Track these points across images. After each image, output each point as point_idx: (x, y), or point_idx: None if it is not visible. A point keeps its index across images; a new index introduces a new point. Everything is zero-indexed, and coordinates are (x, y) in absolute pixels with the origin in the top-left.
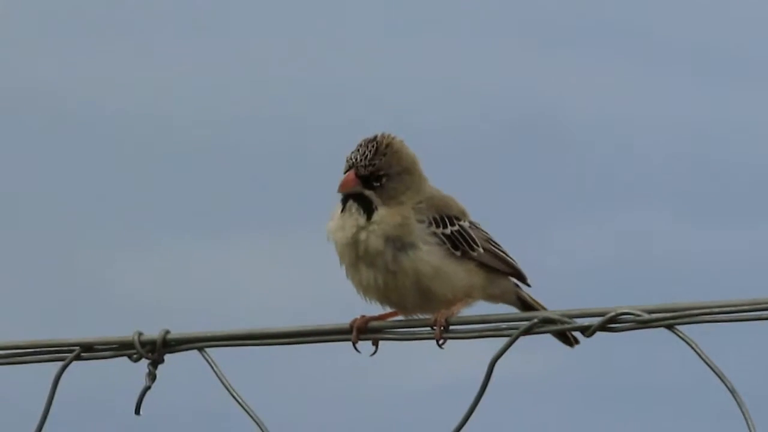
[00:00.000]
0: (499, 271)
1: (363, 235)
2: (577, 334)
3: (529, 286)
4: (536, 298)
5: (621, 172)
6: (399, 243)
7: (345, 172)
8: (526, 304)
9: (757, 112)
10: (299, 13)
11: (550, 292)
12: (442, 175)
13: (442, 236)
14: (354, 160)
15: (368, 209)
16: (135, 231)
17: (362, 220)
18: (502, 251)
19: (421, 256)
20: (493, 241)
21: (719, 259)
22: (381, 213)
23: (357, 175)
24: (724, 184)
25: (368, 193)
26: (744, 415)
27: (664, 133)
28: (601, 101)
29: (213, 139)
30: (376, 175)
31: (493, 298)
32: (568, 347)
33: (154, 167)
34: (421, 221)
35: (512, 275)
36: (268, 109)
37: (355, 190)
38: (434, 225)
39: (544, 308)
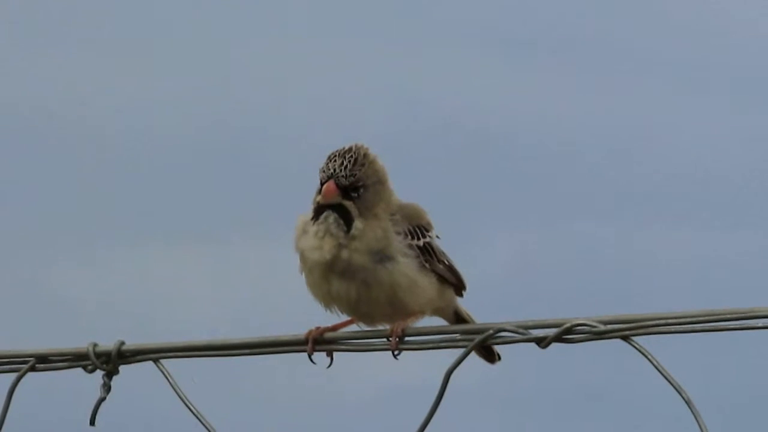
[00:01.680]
0: (447, 282)
1: (345, 254)
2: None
3: (461, 296)
4: (468, 311)
5: (564, 178)
6: (378, 256)
7: (323, 183)
8: (459, 317)
9: (696, 116)
10: (248, 14)
11: (494, 302)
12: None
13: (416, 248)
14: (333, 171)
15: (347, 220)
16: (88, 241)
17: (341, 233)
18: (453, 264)
19: (399, 269)
20: (444, 253)
21: (671, 267)
22: (358, 226)
23: (337, 186)
24: (674, 188)
25: (347, 203)
26: (700, 426)
27: (607, 137)
28: (543, 106)
29: (164, 146)
30: (354, 186)
31: (438, 311)
32: (489, 364)
33: (108, 175)
34: (398, 233)
35: (455, 286)
36: (224, 115)
37: (336, 200)
38: (409, 237)
39: (473, 320)
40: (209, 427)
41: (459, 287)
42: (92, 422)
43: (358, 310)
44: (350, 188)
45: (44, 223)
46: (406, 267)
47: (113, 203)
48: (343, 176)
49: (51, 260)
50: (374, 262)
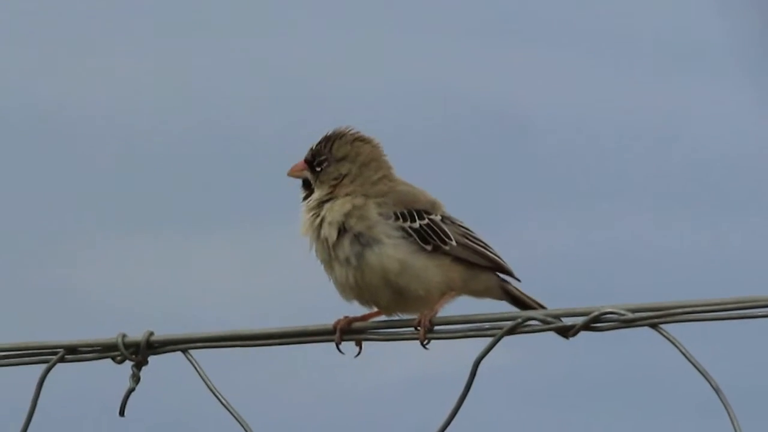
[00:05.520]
0: (479, 265)
1: (318, 224)
2: (554, 334)
3: (518, 280)
4: (527, 293)
5: (594, 167)
6: (364, 239)
7: None
8: (515, 299)
9: (723, 104)
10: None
11: (531, 289)
12: (411, 172)
13: (409, 230)
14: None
15: (308, 190)
16: (114, 233)
17: (312, 203)
18: (481, 245)
19: (386, 251)
20: (472, 235)
21: (700, 256)
22: (314, 197)
23: (304, 161)
24: (703, 177)
25: (310, 176)
26: (729, 413)
27: (633, 126)
28: (570, 95)
29: (183, 136)
30: (316, 159)
31: (476, 293)
32: (563, 339)
33: (131, 167)
34: (384, 215)
35: (494, 269)
36: (243, 105)
37: (301, 174)
38: (401, 219)
39: (536, 302)
40: (238, 417)
41: (498, 269)
42: (122, 413)
43: (363, 297)
44: (313, 162)
45: (69, 219)
46: (394, 249)
47: (138, 195)
48: (309, 152)
49: (78, 255)
50: (359, 245)
